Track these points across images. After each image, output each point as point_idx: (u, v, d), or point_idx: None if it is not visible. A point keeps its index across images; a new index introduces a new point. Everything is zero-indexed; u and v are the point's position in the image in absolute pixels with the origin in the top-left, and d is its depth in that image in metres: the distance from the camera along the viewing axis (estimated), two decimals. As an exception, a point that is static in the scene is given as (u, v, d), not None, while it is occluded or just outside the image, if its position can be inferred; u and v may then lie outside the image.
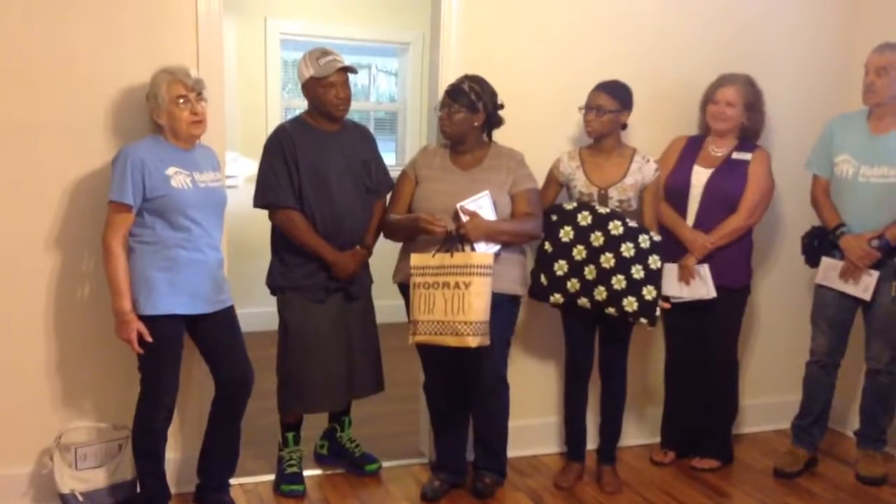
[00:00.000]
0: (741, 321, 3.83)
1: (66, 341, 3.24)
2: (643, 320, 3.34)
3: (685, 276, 3.62)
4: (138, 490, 3.18)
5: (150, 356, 2.96)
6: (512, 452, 3.65)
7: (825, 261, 3.71)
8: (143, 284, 2.91)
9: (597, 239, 3.34)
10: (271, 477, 3.59)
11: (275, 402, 3.50)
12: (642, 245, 3.33)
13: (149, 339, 2.91)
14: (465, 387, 3.44)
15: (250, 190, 3.41)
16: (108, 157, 3.03)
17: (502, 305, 3.28)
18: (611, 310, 3.35)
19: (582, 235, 3.36)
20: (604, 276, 3.33)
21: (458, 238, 3.17)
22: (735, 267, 3.68)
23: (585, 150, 3.55)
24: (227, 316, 3.14)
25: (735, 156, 3.66)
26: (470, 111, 3.30)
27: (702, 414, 3.86)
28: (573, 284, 3.38)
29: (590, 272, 3.35)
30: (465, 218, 3.18)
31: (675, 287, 3.62)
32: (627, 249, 3.31)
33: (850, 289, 3.63)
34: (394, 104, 6.92)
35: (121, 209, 2.88)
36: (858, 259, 3.55)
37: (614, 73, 3.54)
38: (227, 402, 3.17)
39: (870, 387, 3.74)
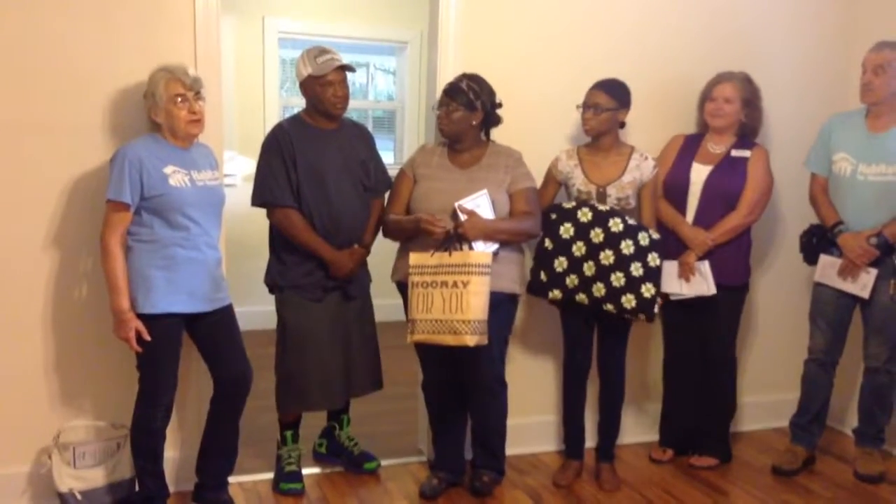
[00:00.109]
0: (740, 319, 3.83)
1: (65, 340, 3.24)
2: (641, 316, 3.34)
3: (685, 273, 3.62)
4: (137, 489, 3.17)
5: (148, 355, 2.95)
6: (510, 451, 3.65)
7: (823, 259, 3.71)
8: (141, 283, 2.91)
9: (597, 236, 3.34)
10: (270, 475, 3.59)
11: (273, 401, 3.50)
12: (642, 242, 3.33)
13: (147, 337, 2.91)
14: (463, 385, 3.44)
15: (248, 189, 3.41)
16: (105, 156, 3.03)
17: (501, 304, 3.28)
18: (609, 306, 3.35)
19: (582, 232, 3.37)
20: (603, 273, 3.33)
21: (456, 237, 3.17)
22: (734, 265, 3.68)
23: (584, 148, 3.56)
24: (225, 315, 3.14)
25: (734, 153, 3.66)
26: (468, 110, 3.30)
27: (700, 412, 3.86)
28: (572, 280, 3.39)
29: (589, 268, 3.35)
30: (462, 217, 3.18)
31: (675, 284, 3.63)
32: (627, 247, 3.31)
33: (848, 287, 3.63)
34: (392, 103, 6.92)
35: (119, 208, 2.88)
36: (857, 257, 3.55)
37: (612, 71, 3.55)
38: (225, 401, 3.17)
39: (868, 385, 3.75)
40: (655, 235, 3.40)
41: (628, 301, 3.31)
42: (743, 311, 3.84)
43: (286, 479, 3.50)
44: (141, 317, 2.91)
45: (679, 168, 3.70)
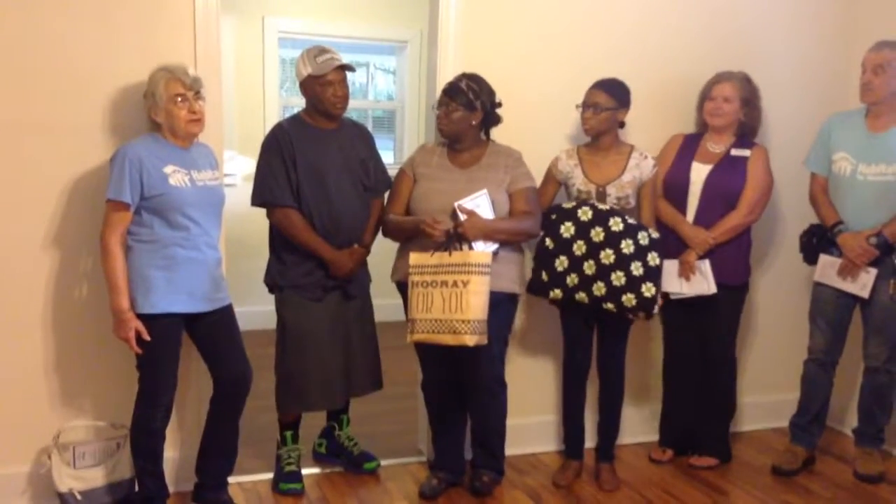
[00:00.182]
0: (740, 319, 3.83)
1: (65, 340, 3.24)
2: (640, 314, 3.35)
3: (686, 272, 3.62)
4: (136, 489, 3.17)
5: (148, 355, 2.95)
6: (510, 451, 3.65)
7: (823, 258, 3.71)
8: (141, 283, 2.91)
9: (597, 235, 3.34)
10: (270, 475, 3.59)
11: (273, 401, 3.50)
12: (641, 242, 3.33)
13: (147, 337, 2.91)
14: (462, 385, 3.44)
15: (248, 188, 3.41)
16: (105, 156, 3.03)
17: (500, 304, 3.27)
18: (609, 305, 3.35)
19: (582, 231, 3.36)
20: (603, 272, 3.33)
21: (455, 237, 3.17)
22: (734, 264, 3.68)
23: (583, 147, 3.56)
24: (225, 314, 3.14)
25: (734, 152, 3.66)
26: (468, 110, 3.30)
27: (700, 412, 3.86)
28: (572, 279, 3.38)
29: (589, 267, 3.35)
30: (462, 217, 3.18)
31: (675, 283, 3.63)
32: (627, 246, 3.31)
33: (848, 286, 3.63)
34: (392, 102, 6.91)
35: (119, 207, 2.88)
36: (856, 257, 3.55)
37: (612, 71, 3.55)
38: (225, 401, 3.17)
39: (868, 385, 3.74)
40: (655, 235, 3.40)
41: (629, 300, 3.31)
42: (743, 310, 3.84)
43: (286, 480, 3.50)
44: (141, 317, 2.90)
45: (679, 167, 3.70)
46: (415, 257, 3.21)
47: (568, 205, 3.44)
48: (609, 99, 3.42)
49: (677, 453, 3.93)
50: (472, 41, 3.63)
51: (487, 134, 3.47)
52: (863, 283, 3.59)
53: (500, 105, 3.40)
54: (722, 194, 3.63)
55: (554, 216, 3.43)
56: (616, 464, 3.74)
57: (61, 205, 3.15)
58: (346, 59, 3.38)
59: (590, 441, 3.77)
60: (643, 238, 3.34)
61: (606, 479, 3.64)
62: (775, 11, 4.11)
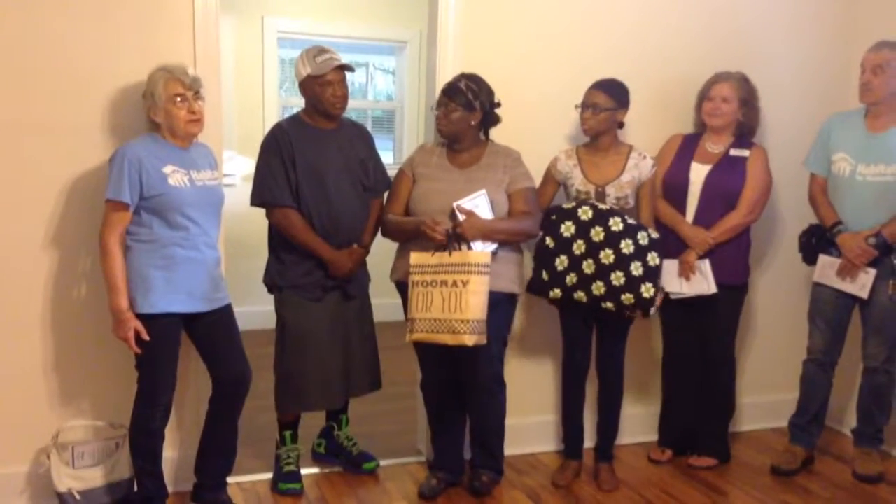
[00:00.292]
0: (739, 319, 3.84)
1: (64, 340, 3.23)
2: (638, 311, 3.35)
3: (686, 272, 3.62)
4: (135, 489, 3.17)
5: (147, 355, 2.95)
6: (509, 451, 3.65)
7: (822, 259, 3.71)
8: (140, 283, 2.91)
9: (597, 234, 3.34)
10: (269, 475, 3.59)
11: (272, 401, 3.50)
12: (641, 242, 3.33)
13: (146, 337, 2.90)
14: (461, 385, 3.44)
15: (247, 188, 3.41)
16: (105, 156, 3.03)
17: (499, 304, 3.28)
18: (608, 304, 3.35)
19: (582, 230, 3.36)
20: (602, 272, 3.32)
21: (454, 237, 3.17)
22: (733, 264, 3.68)
23: (582, 148, 3.56)
24: (224, 314, 3.14)
25: (733, 152, 3.66)
26: (467, 110, 3.30)
27: (699, 412, 3.86)
28: (571, 279, 3.38)
29: (588, 266, 3.35)
30: (461, 217, 3.18)
31: (675, 283, 3.63)
32: (627, 246, 3.31)
33: (847, 287, 3.63)
34: (391, 102, 6.91)
35: (118, 207, 2.88)
36: (856, 257, 3.55)
37: (612, 71, 3.55)
38: (224, 401, 3.17)
39: (867, 385, 3.75)
40: (654, 235, 3.40)
41: (627, 299, 3.31)
42: (742, 310, 3.84)
43: (285, 479, 3.50)
44: (140, 316, 2.90)
45: (678, 167, 3.70)
46: (415, 257, 3.21)
47: (568, 205, 3.44)
48: (608, 99, 3.42)
49: (676, 453, 3.93)
50: (471, 41, 3.63)
51: (487, 134, 3.47)
52: (862, 284, 3.59)
53: (499, 105, 3.40)
54: (721, 194, 3.63)
55: (554, 216, 3.43)
56: (615, 464, 3.74)
57: (60, 204, 3.15)
58: (345, 59, 3.38)
59: (589, 441, 3.77)
60: (643, 238, 3.34)
61: (605, 479, 3.64)
62: (775, 12, 4.11)
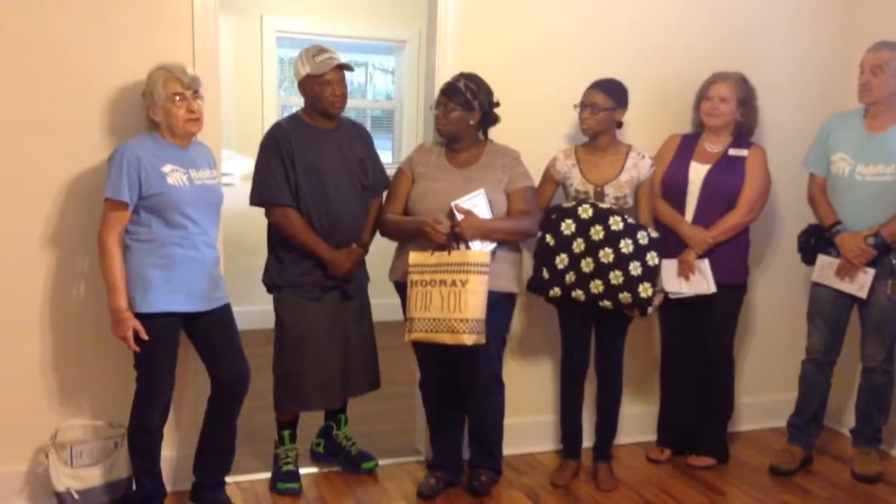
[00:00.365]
0: (738, 318, 3.84)
1: (62, 339, 3.23)
2: (636, 310, 3.35)
3: (685, 272, 3.62)
4: (134, 488, 3.17)
5: (146, 354, 2.95)
6: (508, 450, 3.65)
7: (821, 258, 3.71)
8: (139, 282, 2.91)
9: (597, 233, 3.34)
10: (267, 475, 3.59)
11: (271, 401, 3.49)
12: (641, 241, 3.33)
13: (145, 336, 2.90)
14: (460, 385, 3.44)
15: (247, 188, 3.41)
16: (104, 155, 3.03)
17: (498, 304, 3.27)
18: (606, 303, 3.35)
19: (582, 228, 3.36)
20: (601, 271, 3.32)
21: (453, 236, 3.17)
22: (732, 264, 3.69)
23: (581, 148, 3.56)
24: (223, 314, 3.14)
25: (731, 152, 3.67)
26: (465, 109, 3.30)
27: (698, 411, 3.86)
28: (570, 277, 3.38)
29: (587, 265, 3.35)
30: (459, 216, 3.18)
31: (674, 283, 3.63)
32: (626, 245, 3.31)
33: (846, 287, 3.64)
34: (390, 102, 6.91)
35: (117, 206, 2.88)
36: (854, 257, 3.56)
37: (611, 71, 3.55)
38: (223, 400, 3.17)
39: (865, 385, 3.75)
40: (654, 234, 3.40)
41: (625, 298, 3.31)
42: (741, 310, 3.84)
43: (283, 479, 3.49)
44: (138, 316, 2.90)
45: (677, 167, 3.70)
46: (414, 256, 3.21)
47: (568, 204, 3.44)
48: (607, 99, 3.42)
49: (675, 453, 3.93)
50: (470, 41, 3.63)
51: (485, 134, 3.47)
52: (861, 284, 3.59)
53: (498, 105, 3.40)
54: (720, 194, 3.64)
55: (554, 215, 3.43)
56: (614, 463, 3.74)
57: (59, 204, 3.15)
58: (344, 58, 3.38)
59: (587, 441, 3.77)
60: (642, 238, 3.34)
61: (604, 478, 3.64)
62: (774, 12, 4.11)
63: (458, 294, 3.10)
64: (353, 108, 6.45)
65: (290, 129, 3.38)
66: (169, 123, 2.96)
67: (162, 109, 2.94)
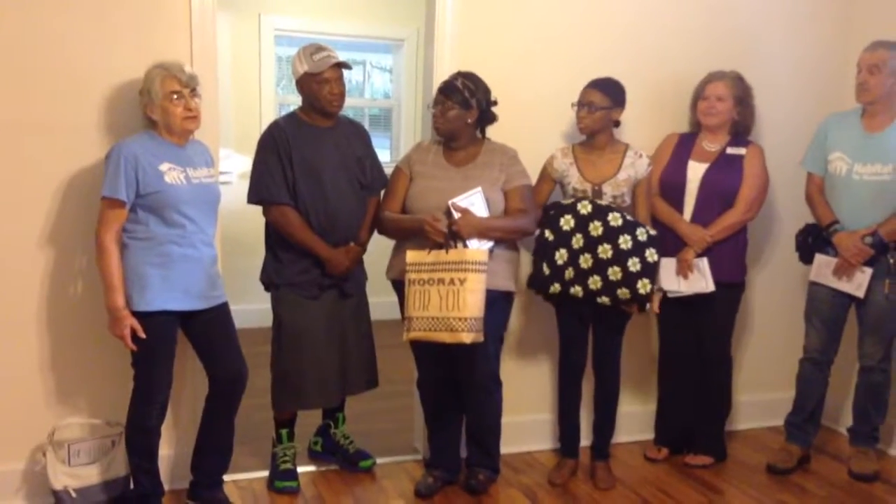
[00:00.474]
0: (735, 317, 3.84)
1: (60, 338, 3.23)
2: (634, 305, 3.36)
3: (683, 270, 3.63)
4: (132, 486, 3.17)
5: (143, 352, 2.95)
6: (506, 449, 3.65)
7: (819, 258, 3.72)
8: (136, 280, 2.91)
9: (595, 229, 3.34)
10: (265, 473, 3.59)
11: (269, 399, 3.49)
12: (640, 238, 3.33)
13: (142, 335, 2.90)
14: (458, 383, 3.44)
15: (244, 186, 3.41)
16: (101, 154, 3.02)
17: (496, 302, 3.27)
18: (604, 299, 3.35)
19: (581, 224, 3.36)
20: (600, 267, 3.32)
21: (450, 234, 3.17)
22: (730, 262, 3.69)
23: (578, 146, 3.56)
24: (220, 312, 3.13)
25: (729, 151, 3.67)
26: (463, 108, 3.30)
27: (696, 410, 3.87)
28: (569, 273, 3.38)
29: (585, 261, 3.35)
30: (456, 215, 3.18)
31: (673, 281, 3.63)
32: (625, 241, 3.32)
33: (843, 286, 3.64)
34: (388, 101, 6.91)
35: (114, 205, 2.87)
36: (852, 256, 3.56)
37: (609, 70, 3.55)
38: (220, 399, 3.17)
39: (863, 384, 3.75)
40: (653, 232, 3.40)
41: (623, 294, 3.31)
42: (739, 309, 3.84)
43: (281, 477, 3.49)
44: (136, 314, 2.90)
45: (675, 166, 3.71)
46: (412, 255, 3.21)
47: (567, 200, 3.45)
48: (604, 98, 3.42)
49: (673, 452, 3.94)
50: (468, 40, 3.63)
51: (483, 132, 3.47)
52: (858, 283, 3.59)
53: (495, 103, 3.40)
54: (719, 192, 3.64)
55: (553, 212, 3.44)
56: (611, 462, 3.74)
57: (57, 202, 3.15)
58: (342, 56, 3.37)
59: (585, 439, 3.77)
60: (641, 234, 3.34)
61: (602, 477, 3.64)
62: (772, 11, 4.11)
63: (457, 293, 3.10)
64: (351, 106, 6.44)
65: (288, 127, 3.38)
66: (166, 122, 2.96)
67: (159, 108, 2.94)
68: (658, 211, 3.66)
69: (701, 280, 3.62)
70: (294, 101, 5.76)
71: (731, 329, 3.82)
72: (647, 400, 4.09)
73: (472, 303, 3.10)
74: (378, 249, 3.60)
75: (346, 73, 3.39)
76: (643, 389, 4.11)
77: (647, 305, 3.36)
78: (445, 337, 3.13)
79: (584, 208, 3.37)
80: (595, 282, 3.34)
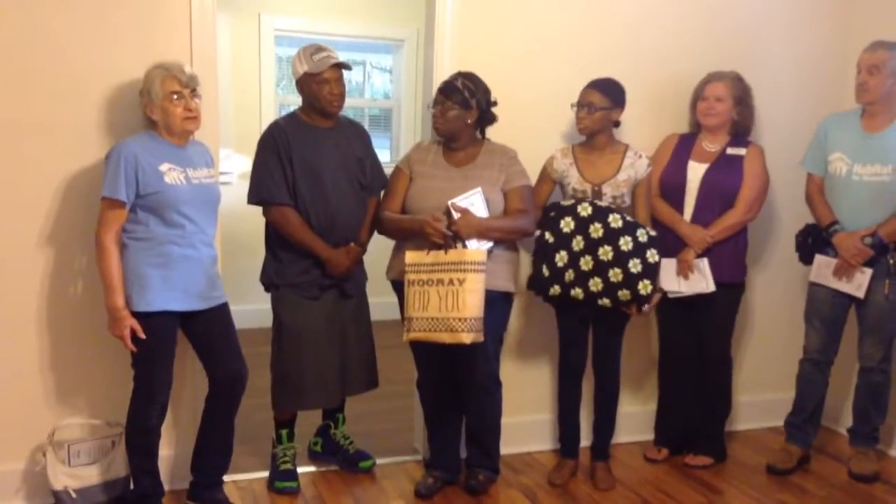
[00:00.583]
0: (735, 318, 3.84)
1: (60, 338, 3.23)
2: (634, 305, 3.36)
3: (684, 271, 3.63)
4: (132, 487, 3.17)
5: (143, 353, 2.95)
6: (506, 449, 3.65)
7: (819, 258, 3.72)
8: (136, 281, 2.91)
9: (596, 231, 3.34)
10: (265, 474, 3.59)
11: (269, 399, 3.49)
12: (640, 239, 3.33)
13: (142, 335, 2.90)
14: (458, 384, 3.44)
15: (244, 186, 3.41)
16: (101, 154, 3.02)
17: (495, 303, 3.27)
18: (605, 301, 3.35)
19: (581, 226, 3.36)
20: (601, 268, 3.32)
21: (450, 235, 3.17)
22: (730, 263, 3.69)
23: (578, 147, 3.56)
24: (220, 313, 3.13)
25: (730, 151, 3.67)
26: (463, 108, 3.30)
27: (696, 411, 3.86)
28: (569, 275, 3.38)
29: (585, 263, 3.35)
30: (456, 215, 3.18)
31: (673, 282, 3.63)
32: (626, 243, 3.31)
33: (843, 286, 3.64)
34: (388, 101, 6.91)
35: (114, 205, 2.87)
36: (852, 257, 3.56)
37: (608, 70, 3.55)
38: (220, 399, 3.16)
39: (863, 384, 3.75)
40: (653, 233, 3.40)
41: (624, 295, 3.31)
42: (739, 310, 3.84)
43: (281, 478, 3.49)
44: (136, 315, 2.90)
45: (675, 166, 3.71)
46: (411, 256, 3.21)
47: (567, 202, 3.44)
48: (603, 98, 3.42)
49: (673, 452, 3.94)
50: (468, 40, 3.63)
51: (483, 132, 3.47)
52: (858, 283, 3.59)
53: (495, 104, 3.40)
54: (719, 193, 3.64)
55: (553, 213, 3.43)
56: (611, 463, 3.74)
57: (56, 202, 3.15)
58: (342, 57, 3.37)
59: (585, 440, 3.77)
60: (642, 235, 3.34)
61: (602, 477, 3.64)
62: (772, 11, 4.11)
63: (456, 293, 3.10)
64: (351, 106, 6.44)
65: (288, 127, 3.38)
66: (166, 122, 2.96)
67: (159, 108, 2.94)
68: (658, 211, 3.66)
69: (701, 280, 3.62)
70: (294, 101, 5.75)
71: (731, 329, 3.82)
72: (647, 400, 4.09)
73: (471, 303, 3.10)
74: (378, 250, 3.60)
75: (346, 73, 3.39)
76: (643, 390, 4.11)
77: (645, 306, 3.36)
78: (445, 337, 3.13)
79: (585, 210, 3.37)
80: (596, 283, 3.34)
